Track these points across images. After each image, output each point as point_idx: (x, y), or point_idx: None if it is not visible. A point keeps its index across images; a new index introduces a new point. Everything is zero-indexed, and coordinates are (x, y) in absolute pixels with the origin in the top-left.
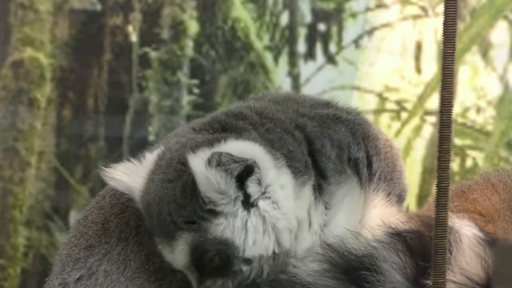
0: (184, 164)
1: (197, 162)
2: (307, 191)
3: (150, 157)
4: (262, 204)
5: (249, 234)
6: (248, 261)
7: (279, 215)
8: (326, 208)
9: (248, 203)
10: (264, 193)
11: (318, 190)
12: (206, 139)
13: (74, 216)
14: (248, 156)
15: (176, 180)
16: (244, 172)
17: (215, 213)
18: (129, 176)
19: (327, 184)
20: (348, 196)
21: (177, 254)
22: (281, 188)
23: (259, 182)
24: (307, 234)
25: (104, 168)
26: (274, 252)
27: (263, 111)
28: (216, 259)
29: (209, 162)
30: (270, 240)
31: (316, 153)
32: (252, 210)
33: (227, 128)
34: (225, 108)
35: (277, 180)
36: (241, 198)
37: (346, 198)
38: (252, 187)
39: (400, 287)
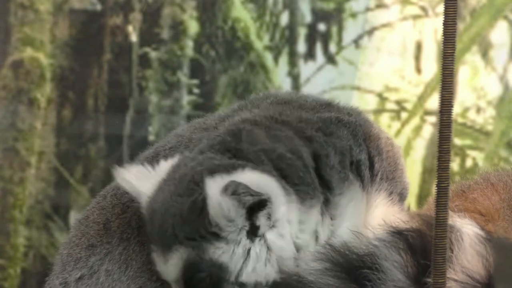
0: (197, 183)
1: (214, 186)
2: (314, 214)
3: (165, 166)
4: (269, 235)
5: (249, 261)
6: (242, 285)
7: (284, 245)
8: (331, 219)
9: (253, 233)
10: (271, 226)
11: (325, 204)
12: (222, 164)
13: (74, 216)
14: (263, 190)
15: (186, 196)
16: (256, 205)
17: (217, 237)
18: (141, 180)
19: (332, 196)
20: (352, 202)
21: (170, 267)
22: (288, 223)
23: (269, 216)
24: (312, 249)
25: (117, 167)
26: (274, 280)
27: (271, 126)
28: (207, 280)
29: (226, 189)
30: (273, 269)
31: (322, 168)
32: (257, 240)
33: (243, 154)
34: (231, 124)
35: (286, 216)
36: (247, 228)
37: (350, 204)
38: (261, 220)
39: (402, 286)
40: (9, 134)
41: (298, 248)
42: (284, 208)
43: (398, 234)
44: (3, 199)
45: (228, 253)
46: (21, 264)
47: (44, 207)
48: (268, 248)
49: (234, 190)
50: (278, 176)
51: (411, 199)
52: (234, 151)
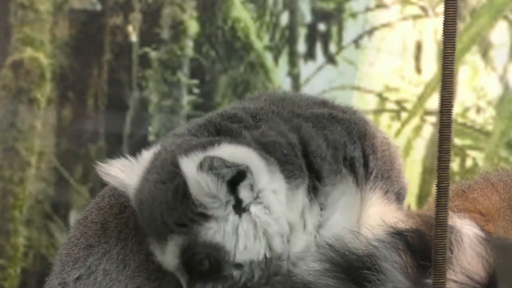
0: (177, 166)
1: (189, 165)
2: (301, 194)
3: (147, 156)
4: (253, 209)
5: (240, 239)
6: (238, 266)
7: (270, 220)
8: (321, 209)
9: (239, 208)
10: (256, 198)
11: (313, 191)
12: (199, 142)
13: (74, 216)
14: (240, 161)
15: (169, 181)
16: (236, 177)
17: (205, 217)
18: (125, 172)
19: (322, 185)
20: (344, 196)
21: (167, 256)
22: (273, 193)
23: (251, 188)
24: (301, 236)
25: (100, 163)
26: (265, 257)
27: (258, 112)
28: (206, 262)
29: (201, 166)
30: (261, 245)
31: (310, 155)
32: (244, 215)
33: (222, 131)
34: (221, 109)
35: (270, 185)
36: (232, 202)
37: (341, 198)
38: (243, 192)
39: (401, 286)
40: (9, 134)
41: (286, 226)
42: (267, 177)
43: (397, 234)
44: (3, 199)
45: (220, 232)
46: (21, 264)
47: (44, 207)
48: (254, 223)
49: (209, 165)
50: (260, 149)
51: (411, 199)
52: (214, 130)
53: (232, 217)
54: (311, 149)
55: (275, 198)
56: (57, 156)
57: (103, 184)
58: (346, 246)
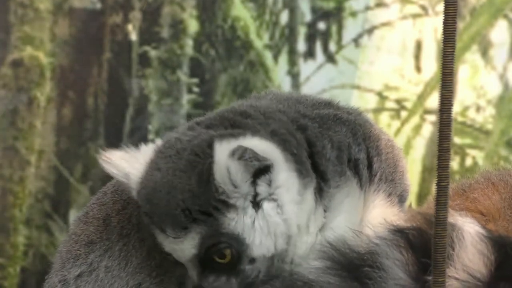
0: (198, 155)
1: (222, 150)
2: (310, 195)
3: (148, 148)
4: (266, 206)
5: (256, 233)
6: (252, 261)
7: (280, 221)
8: (325, 211)
9: (256, 202)
10: (271, 194)
11: (319, 193)
12: (228, 132)
13: (74, 215)
14: (268, 156)
15: (190, 169)
16: (259, 171)
17: (227, 206)
18: (127, 162)
19: (327, 187)
20: (348, 198)
21: (185, 244)
22: (287, 191)
23: (270, 183)
24: (304, 238)
25: (102, 151)
26: (272, 255)
27: (266, 110)
28: (228, 254)
29: (233, 153)
30: (271, 243)
31: (316, 156)
32: (260, 211)
33: (237, 125)
34: (228, 107)
35: (286, 183)
36: (252, 194)
37: (345, 200)
38: (261, 187)
39: (403, 284)
40: (9, 132)
41: (294, 226)
42: (285, 174)
43: (399, 232)
44: (3, 198)
45: (240, 223)
46: (20, 263)
47: (44, 206)
48: (267, 220)
49: (241, 155)
50: (278, 146)
51: (411, 198)
52: (229, 124)
53: (250, 210)
54: (317, 150)
55: (288, 196)
56: (57, 155)
57: (103, 182)
58: (347, 244)
